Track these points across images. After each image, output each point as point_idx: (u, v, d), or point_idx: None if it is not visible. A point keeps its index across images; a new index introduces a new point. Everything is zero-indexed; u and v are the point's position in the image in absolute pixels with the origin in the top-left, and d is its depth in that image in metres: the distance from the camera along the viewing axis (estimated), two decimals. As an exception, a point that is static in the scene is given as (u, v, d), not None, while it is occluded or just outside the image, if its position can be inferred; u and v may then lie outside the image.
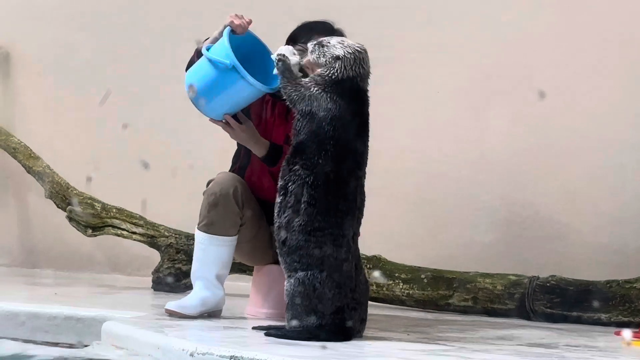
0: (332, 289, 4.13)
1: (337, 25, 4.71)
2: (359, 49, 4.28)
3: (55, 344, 4.65)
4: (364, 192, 4.28)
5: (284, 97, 4.30)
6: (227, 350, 3.79)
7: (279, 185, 4.24)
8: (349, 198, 4.20)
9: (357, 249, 4.27)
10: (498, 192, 6.06)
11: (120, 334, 4.31)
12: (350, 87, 4.24)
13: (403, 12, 6.22)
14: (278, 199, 4.23)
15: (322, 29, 4.64)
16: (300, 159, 4.19)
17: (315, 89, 4.22)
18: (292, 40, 4.66)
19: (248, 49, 4.60)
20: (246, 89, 4.49)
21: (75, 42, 6.80)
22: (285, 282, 4.20)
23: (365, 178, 4.28)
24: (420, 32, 6.19)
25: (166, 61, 6.50)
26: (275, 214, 4.24)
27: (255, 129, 4.67)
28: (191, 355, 3.84)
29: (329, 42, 4.29)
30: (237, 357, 3.75)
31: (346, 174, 4.19)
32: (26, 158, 6.51)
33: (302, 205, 4.15)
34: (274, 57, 4.35)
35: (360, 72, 4.26)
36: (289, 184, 4.19)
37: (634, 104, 5.87)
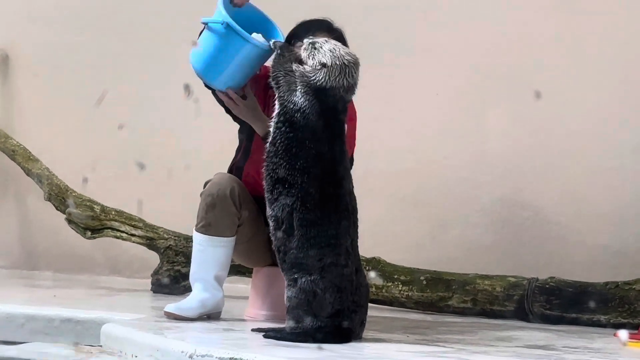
0: (333, 294, 4.12)
1: (335, 24, 4.69)
2: (346, 62, 4.20)
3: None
4: (354, 198, 4.25)
5: (270, 74, 4.29)
6: (226, 352, 3.79)
7: (268, 214, 4.23)
8: (340, 208, 4.18)
9: (357, 254, 4.26)
10: (497, 193, 6.06)
11: (119, 336, 4.30)
12: (331, 95, 4.20)
13: (402, 13, 6.21)
14: (271, 224, 4.23)
15: (319, 27, 4.63)
16: (282, 187, 4.17)
17: (300, 87, 4.19)
18: (290, 39, 4.63)
19: (251, 24, 4.52)
20: (243, 48, 4.40)
21: (73, 44, 6.79)
22: (286, 290, 4.20)
23: (352, 185, 4.25)
24: (419, 33, 6.18)
25: (163, 63, 6.50)
26: (272, 238, 4.24)
27: (258, 105, 4.62)
28: (190, 357, 3.83)
29: (321, 46, 4.24)
30: (236, 359, 3.75)
31: (329, 185, 4.17)
32: (25, 160, 6.49)
33: (296, 228, 4.15)
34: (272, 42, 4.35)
35: (344, 84, 4.21)
36: (279, 213, 4.18)
37: (633, 105, 5.87)
